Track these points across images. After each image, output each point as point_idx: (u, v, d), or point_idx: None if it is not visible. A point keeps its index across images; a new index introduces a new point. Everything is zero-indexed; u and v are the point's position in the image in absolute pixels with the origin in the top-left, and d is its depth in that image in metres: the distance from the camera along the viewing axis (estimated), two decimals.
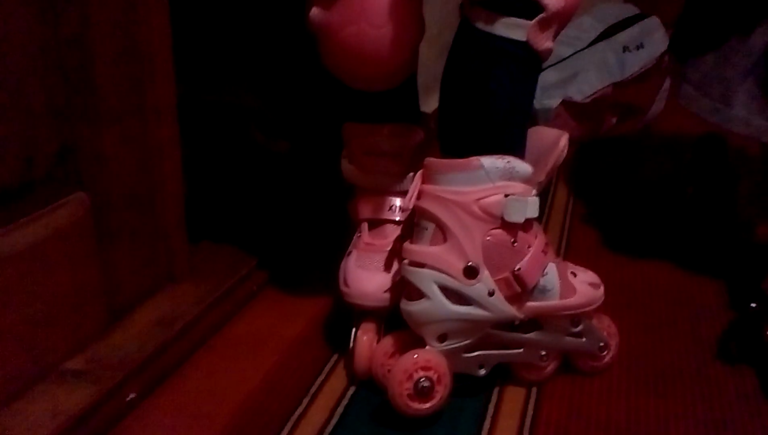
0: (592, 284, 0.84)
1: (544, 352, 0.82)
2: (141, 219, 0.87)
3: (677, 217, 1.28)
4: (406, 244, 0.78)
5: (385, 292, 0.84)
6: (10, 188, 0.69)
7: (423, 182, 0.77)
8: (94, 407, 0.73)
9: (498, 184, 0.74)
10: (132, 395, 0.77)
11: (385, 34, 0.76)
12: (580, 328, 0.83)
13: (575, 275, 0.84)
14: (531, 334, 0.81)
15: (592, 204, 1.38)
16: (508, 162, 0.74)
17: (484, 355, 0.79)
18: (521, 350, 0.81)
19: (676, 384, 0.88)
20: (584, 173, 1.52)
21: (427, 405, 0.76)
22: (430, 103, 1.74)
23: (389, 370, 0.77)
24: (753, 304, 0.89)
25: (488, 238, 0.75)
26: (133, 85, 0.80)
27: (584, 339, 0.84)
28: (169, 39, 0.83)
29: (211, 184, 1.22)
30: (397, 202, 0.90)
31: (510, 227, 0.75)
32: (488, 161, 0.74)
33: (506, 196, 0.74)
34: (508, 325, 0.79)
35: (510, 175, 0.75)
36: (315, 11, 0.79)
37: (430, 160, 0.76)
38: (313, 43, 0.83)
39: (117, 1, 0.75)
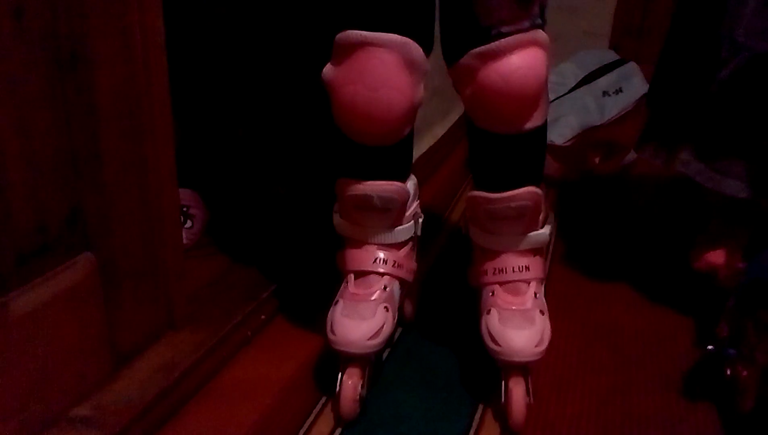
0: None
1: None
2: (143, 273, 0.94)
3: (647, 252, 1.35)
4: None
5: (369, 339, 0.90)
6: (25, 252, 0.76)
7: None
8: None
9: None
10: None
11: (379, 97, 0.84)
12: None
13: None
14: None
15: (573, 242, 1.45)
16: None
17: None
18: None
19: (641, 425, 0.94)
20: (566, 212, 1.60)
21: None
22: (421, 147, 1.83)
23: None
24: (710, 347, 0.95)
25: None
26: (137, 158, 0.87)
27: None
28: (170, 115, 0.91)
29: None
30: (381, 254, 0.97)
31: None
32: None
33: None
34: None
35: None
36: (327, 67, 0.87)
37: None
38: (317, 97, 0.92)
39: (123, 86, 0.83)
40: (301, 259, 1.27)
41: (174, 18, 0.93)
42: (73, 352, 0.84)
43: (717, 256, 1.16)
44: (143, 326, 0.97)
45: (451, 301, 1.19)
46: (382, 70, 0.83)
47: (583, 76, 1.70)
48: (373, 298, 0.94)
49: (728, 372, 0.94)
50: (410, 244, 1.01)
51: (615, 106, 1.71)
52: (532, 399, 0.94)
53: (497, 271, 0.98)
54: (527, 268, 0.97)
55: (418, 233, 1.01)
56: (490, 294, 0.98)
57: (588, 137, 1.70)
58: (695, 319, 1.17)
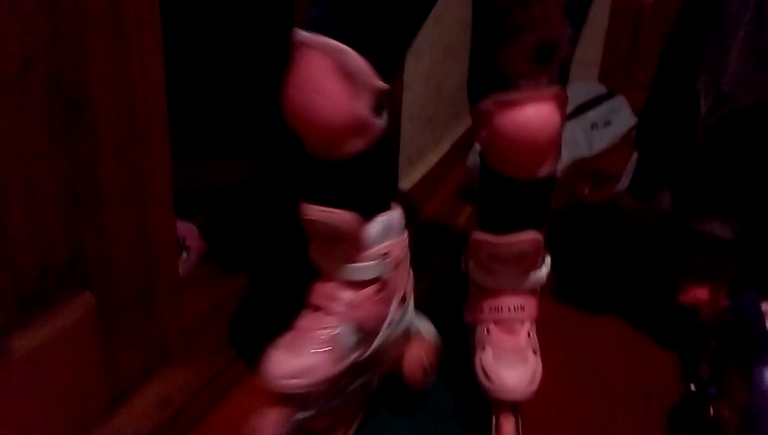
0: None
1: None
2: (140, 310, 0.96)
3: (634, 284, 1.38)
4: None
5: (294, 378, 0.88)
6: (27, 295, 0.78)
7: None
8: None
9: None
10: None
11: (311, 103, 0.79)
12: None
13: None
14: None
15: (562, 274, 1.48)
16: None
17: None
18: None
19: None
20: (554, 242, 1.62)
21: None
22: (414, 175, 1.86)
23: None
24: (692, 386, 0.98)
25: None
26: (136, 200, 0.90)
27: None
28: (169, 156, 0.93)
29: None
30: (339, 292, 0.92)
31: None
32: None
33: None
34: None
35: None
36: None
37: None
38: None
39: (123, 130, 0.86)
40: (298, 292, 1.29)
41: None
42: (71, 389, 0.86)
43: (701, 292, 1.19)
44: (139, 362, 0.98)
45: (444, 335, 1.22)
46: (314, 75, 0.79)
47: (572, 109, 1.74)
48: (313, 335, 0.90)
49: (711, 411, 0.97)
50: (376, 286, 0.93)
51: (603, 139, 1.75)
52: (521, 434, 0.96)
53: (493, 309, 1.00)
54: (522, 307, 0.99)
55: (385, 277, 0.92)
56: (485, 331, 1.00)
57: (577, 168, 1.74)
58: (680, 354, 1.19)
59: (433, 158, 2.00)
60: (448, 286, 1.14)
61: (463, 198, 1.85)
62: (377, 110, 0.83)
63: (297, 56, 0.80)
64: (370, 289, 0.92)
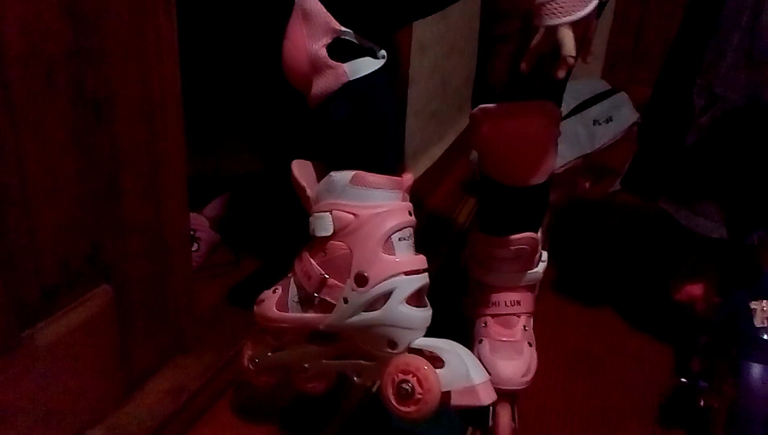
0: None
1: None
2: (154, 300, 1.01)
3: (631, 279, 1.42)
4: None
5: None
6: (49, 288, 0.83)
7: None
8: None
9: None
10: None
11: (284, 47, 0.84)
12: None
13: None
14: None
15: (561, 268, 1.51)
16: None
17: None
18: None
19: None
20: (555, 237, 1.66)
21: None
22: (418, 169, 1.90)
23: None
24: (683, 380, 1.02)
25: None
26: (153, 196, 0.94)
27: None
28: (184, 154, 0.97)
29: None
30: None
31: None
32: None
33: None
34: None
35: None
36: None
37: None
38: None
39: (141, 131, 0.90)
40: None
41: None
42: (89, 378, 0.91)
43: (695, 289, 1.23)
44: (153, 351, 1.03)
45: (445, 326, 1.26)
46: (289, 25, 0.84)
47: (574, 105, 1.76)
48: (282, 278, 0.94)
49: (701, 403, 1.01)
50: (317, 245, 0.87)
51: (605, 135, 1.77)
52: (517, 424, 1.01)
53: (491, 304, 1.05)
54: (519, 302, 1.04)
55: (319, 234, 0.85)
56: (483, 325, 1.04)
57: (579, 164, 1.77)
58: (674, 347, 1.24)
59: (437, 152, 2.04)
60: (450, 279, 1.18)
61: (466, 191, 1.89)
62: (341, 55, 0.82)
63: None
64: (315, 248, 0.87)
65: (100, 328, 0.91)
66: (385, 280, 0.81)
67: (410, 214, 0.85)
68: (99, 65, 0.82)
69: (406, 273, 0.82)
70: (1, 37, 0.71)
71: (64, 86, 0.78)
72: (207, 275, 1.33)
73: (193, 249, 1.35)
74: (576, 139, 1.74)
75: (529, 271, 1.03)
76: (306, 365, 0.93)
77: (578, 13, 0.77)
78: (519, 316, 1.04)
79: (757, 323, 0.92)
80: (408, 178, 0.87)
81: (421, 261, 0.85)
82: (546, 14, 0.78)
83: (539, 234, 1.02)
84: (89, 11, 0.80)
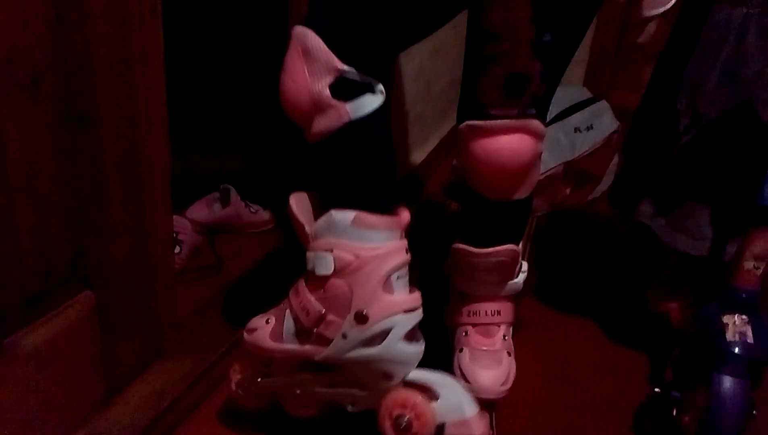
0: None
1: None
2: (136, 306, 1.01)
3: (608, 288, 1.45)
4: None
5: None
6: (31, 295, 0.83)
7: None
8: None
9: None
10: None
11: (282, 81, 0.84)
12: None
13: None
14: None
15: (542, 275, 1.54)
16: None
17: None
18: None
19: None
20: (536, 244, 1.68)
21: None
22: (400, 172, 1.91)
23: None
24: (656, 389, 1.04)
25: None
26: (136, 204, 0.94)
27: None
28: (168, 162, 0.97)
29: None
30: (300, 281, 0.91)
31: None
32: None
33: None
34: None
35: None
36: None
37: None
38: None
39: (124, 139, 0.90)
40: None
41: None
42: (71, 383, 0.91)
43: (671, 300, 1.25)
44: (135, 356, 1.03)
45: (426, 335, 1.27)
46: (288, 59, 0.83)
47: (556, 113, 1.78)
48: (275, 306, 0.95)
49: (674, 413, 1.03)
50: (317, 281, 0.87)
51: (586, 143, 1.80)
52: (495, 432, 1.02)
53: (472, 313, 1.06)
54: (499, 312, 1.05)
55: (320, 272, 0.86)
56: (464, 334, 1.06)
57: (560, 171, 1.79)
58: (650, 356, 1.26)
59: (420, 156, 2.05)
60: (431, 287, 1.19)
61: (449, 196, 1.90)
62: (345, 94, 0.82)
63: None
64: (314, 284, 0.88)
65: (82, 334, 0.91)
66: (385, 318, 0.84)
67: (407, 251, 0.87)
68: (85, 73, 0.82)
69: (404, 311, 0.85)
70: None
71: (49, 93, 0.78)
72: (189, 278, 1.34)
73: (175, 252, 1.35)
74: (557, 147, 1.76)
75: (509, 282, 1.05)
76: (298, 392, 0.95)
77: (668, 5, 0.87)
78: (499, 326, 1.05)
79: (729, 338, 0.94)
80: (405, 216, 0.89)
81: (417, 299, 0.88)
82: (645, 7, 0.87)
83: (520, 246, 1.03)
84: (76, 19, 0.80)
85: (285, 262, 1.37)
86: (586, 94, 1.93)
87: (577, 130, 1.81)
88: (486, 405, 1.01)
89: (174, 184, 1.04)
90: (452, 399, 0.87)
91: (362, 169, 0.85)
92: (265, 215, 1.57)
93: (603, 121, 1.86)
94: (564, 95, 1.87)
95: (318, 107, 0.82)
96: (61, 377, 0.89)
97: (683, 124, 1.11)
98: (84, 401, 0.94)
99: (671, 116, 1.13)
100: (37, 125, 0.78)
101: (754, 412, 0.96)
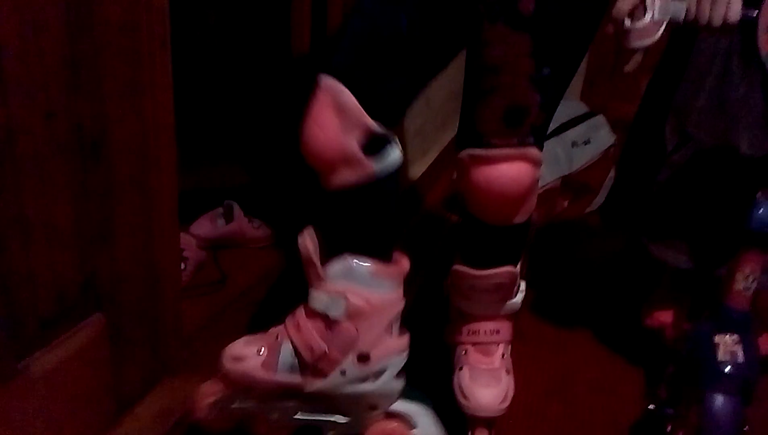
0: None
1: None
2: (144, 325, 1.04)
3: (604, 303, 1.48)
4: None
5: None
6: (45, 318, 0.86)
7: None
8: None
9: None
10: None
11: (309, 130, 0.87)
12: None
13: None
14: None
15: (540, 290, 1.56)
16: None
17: None
18: None
19: None
20: (533, 258, 1.71)
21: None
22: (401, 185, 1.93)
23: None
24: (651, 407, 1.07)
25: None
26: (145, 230, 0.98)
27: None
28: (176, 186, 1.00)
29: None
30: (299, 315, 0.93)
31: None
32: None
33: None
34: None
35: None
36: None
37: None
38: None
39: (134, 167, 0.93)
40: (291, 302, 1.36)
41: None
42: (82, 403, 0.94)
43: (665, 316, 1.28)
44: (143, 374, 1.06)
45: (426, 353, 1.29)
46: (316, 110, 0.87)
47: (554, 128, 1.81)
48: (265, 336, 0.96)
49: (668, 429, 1.06)
50: (325, 322, 0.91)
51: (583, 157, 1.82)
52: None
53: (471, 332, 1.09)
54: (498, 331, 1.09)
55: (333, 315, 0.90)
56: (463, 352, 1.09)
57: (557, 185, 1.82)
58: (645, 373, 1.29)
59: (420, 168, 2.07)
60: (432, 306, 1.22)
61: (449, 209, 1.93)
62: (369, 149, 0.86)
63: (314, 95, 0.88)
64: (318, 321, 0.91)
65: (92, 355, 0.94)
66: (383, 359, 0.91)
67: (404, 297, 0.95)
68: (96, 105, 0.85)
69: (399, 352, 0.94)
70: (2, 75, 0.73)
71: (62, 127, 0.81)
72: (194, 294, 1.36)
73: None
74: (555, 161, 1.79)
75: (508, 301, 1.08)
76: (275, 416, 0.96)
77: (654, 38, 0.89)
78: (498, 345, 1.08)
79: (720, 357, 0.97)
80: (405, 264, 0.95)
81: (407, 341, 0.95)
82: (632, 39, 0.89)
83: (518, 267, 1.06)
84: (88, 48, 0.83)
85: (288, 278, 1.40)
86: (583, 108, 1.96)
87: (574, 144, 1.83)
88: (485, 423, 1.04)
89: (178, 199, 1.07)
90: (429, 429, 0.98)
91: (378, 221, 0.91)
92: (267, 230, 1.60)
93: (600, 135, 1.89)
94: (561, 110, 1.88)
95: (346, 160, 0.86)
96: (71, 398, 0.91)
97: (671, 144, 1.14)
98: (94, 421, 0.96)
99: (661, 136, 1.16)
100: (51, 158, 0.81)
101: (746, 428, 0.99)
